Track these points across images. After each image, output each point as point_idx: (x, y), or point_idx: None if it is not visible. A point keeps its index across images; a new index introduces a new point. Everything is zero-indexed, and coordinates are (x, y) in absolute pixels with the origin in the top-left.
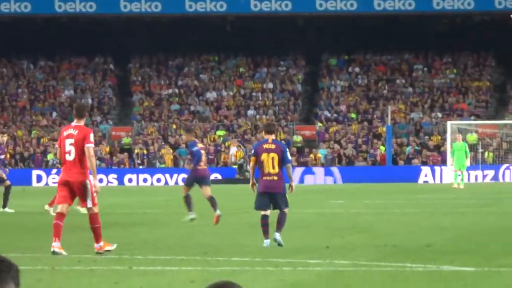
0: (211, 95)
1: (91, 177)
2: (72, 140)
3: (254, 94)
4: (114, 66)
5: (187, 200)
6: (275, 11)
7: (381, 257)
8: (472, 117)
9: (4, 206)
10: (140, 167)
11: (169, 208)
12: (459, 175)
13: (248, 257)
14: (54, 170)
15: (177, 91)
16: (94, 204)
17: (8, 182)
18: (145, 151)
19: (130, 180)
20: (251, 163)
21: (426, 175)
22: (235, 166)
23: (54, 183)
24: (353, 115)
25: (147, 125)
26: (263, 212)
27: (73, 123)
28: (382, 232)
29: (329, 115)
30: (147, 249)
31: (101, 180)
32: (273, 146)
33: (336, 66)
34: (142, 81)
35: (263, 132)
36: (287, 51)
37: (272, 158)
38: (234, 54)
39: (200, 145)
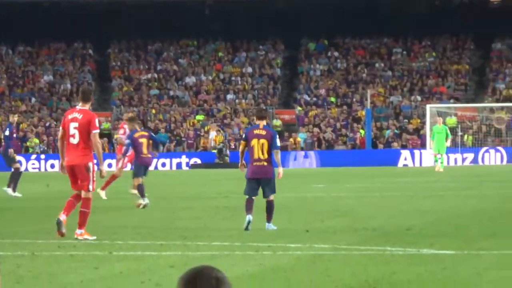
0: (190, 80)
1: (95, 161)
2: (76, 124)
3: (233, 78)
4: (93, 51)
5: (140, 188)
6: None
7: (361, 240)
8: (451, 100)
9: (14, 190)
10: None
11: (149, 193)
12: (439, 158)
13: (228, 242)
14: (34, 156)
15: (156, 76)
16: (92, 189)
17: (19, 166)
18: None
19: (109, 165)
20: (241, 147)
21: (405, 159)
22: (215, 151)
23: (34, 168)
24: (333, 99)
25: (127, 110)
26: (248, 197)
27: (78, 107)
28: (362, 215)
29: (308, 99)
30: (127, 234)
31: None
32: (263, 132)
33: (315, 50)
34: (121, 66)
35: (255, 117)
36: (266, 35)
37: (262, 144)
38: (213, 39)
39: (139, 134)
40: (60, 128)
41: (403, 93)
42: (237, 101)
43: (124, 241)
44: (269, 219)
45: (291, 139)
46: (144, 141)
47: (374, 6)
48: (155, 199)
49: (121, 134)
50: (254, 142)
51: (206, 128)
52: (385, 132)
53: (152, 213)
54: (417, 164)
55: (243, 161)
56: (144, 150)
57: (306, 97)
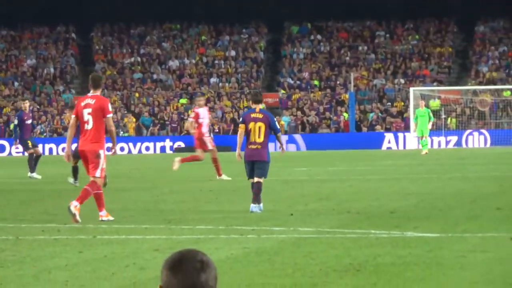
0: (174, 63)
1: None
2: (90, 110)
3: (216, 62)
4: (76, 35)
5: (74, 169)
6: None
7: (345, 224)
8: (435, 83)
9: (32, 171)
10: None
11: (132, 177)
12: (424, 141)
13: (212, 225)
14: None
15: (139, 59)
16: (101, 176)
17: (39, 150)
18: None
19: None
20: (240, 131)
21: (389, 142)
22: None
23: (17, 152)
24: (316, 82)
25: (110, 94)
26: (252, 181)
27: (90, 93)
28: (345, 199)
29: (292, 82)
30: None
31: (64, 149)
32: (260, 116)
33: (299, 34)
34: (104, 50)
35: (251, 101)
36: (249, 19)
37: (259, 128)
38: (196, 22)
39: None
40: (73, 116)
41: (387, 76)
42: (220, 84)
43: (108, 225)
44: (254, 200)
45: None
46: None
47: None
48: (139, 182)
49: (192, 117)
50: (251, 125)
51: (189, 112)
52: (369, 115)
53: (136, 197)
54: (400, 147)
55: (240, 150)
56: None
57: (289, 80)
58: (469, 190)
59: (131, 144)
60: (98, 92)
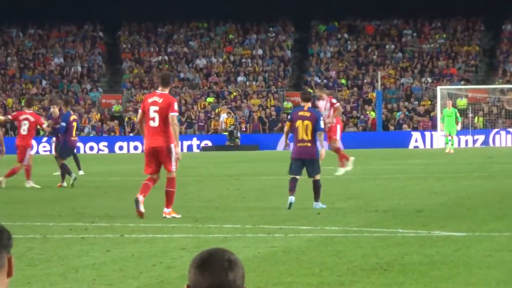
0: (201, 62)
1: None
2: (156, 107)
3: (243, 60)
4: (104, 33)
5: (64, 167)
6: None
7: (372, 222)
8: (462, 82)
9: (79, 169)
10: (131, 134)
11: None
12: (450, 140)
13: (239, 224)
14: (45, 139)
15: (166, 58)
16: (175, 168)
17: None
18: (135, 119)
19: (120, 148)
20: (286, 128)
21: (416, 140)
22: (226, 133)
23: (45, 151)
24: (343, 81)
25: (137, 93)
26: (293, 176)
27: (158, 91)
28: (373, 197)
29: (319, 81)
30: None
31: (91, 148)
32: (308, 114)
33: (326, 32)
34: (132, 48)
35: (300, 99)
36: (277, 17)
37: (306, 126)
38: (223, 21)
39: (73, 117)
40: (139, 111)
41: (414, 74)
42: (247, 83)
43: (135, 223)
44: (316, 198)
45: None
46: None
47: None
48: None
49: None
50: (298, 123)
51: (217, 111)
52: (396, 114)
53: (163, 195)
54: (427, 146)
55: (287, 141)
56: None
57: (316, 79)
58: (496, 189)
59: None
60: (167, 91)
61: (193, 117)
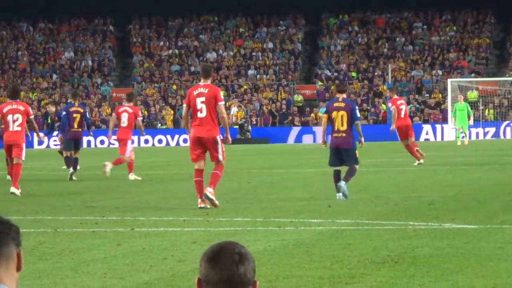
0: (211, 56)
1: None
2: (203, 98)
3: (254, 54)
4: (114, 27)
5: (65, 159)
6: None
7: (383, 215)
8: (473, 75)
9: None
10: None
11: (171, 169)
12: (462, 133)
13: (250, 218)
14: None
15: (177, 52)
16: (223, 158)
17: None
18: (145, 113)
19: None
20: (323, 120)
21: (427, 133)
22: (236, 127)
23: (56, 145)
24: (354, 74)
25: (148, 87)
26: (334, 168)
27: (201, 83)
28: (383, 190)
29: (329, 74)
30: (149, 210)
31: (102, 142)
32: (342, 105)
33: (336, 25)
34: (142, 42)
35: (335, 91)
36: (287, 10)
37: (342, 116)
38: (233, 14)
39: (74, 108)
40: (184, 105)
41: (424, 67)
42: (258, 76)
43: (146, 217)
44: (346, 179)
45: (312, 115)
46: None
47: None
48: (177, 175)
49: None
50: (334, 114)
51: (227, 104)
52: (407, 106)
53: (175, 189)
54: (438, 138)
55: (324, 138)
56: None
57: (327, 72)
58: (507, 181)
59: (169, 137)
60: (209, 81)
61: None
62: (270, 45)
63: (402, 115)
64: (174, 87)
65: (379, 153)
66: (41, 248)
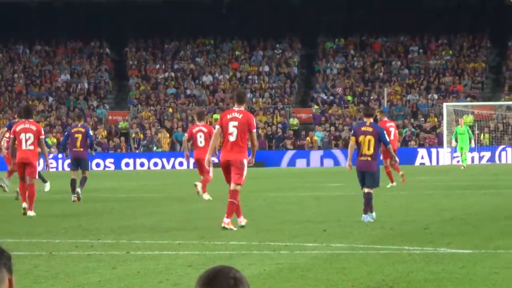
0: (207, 79)
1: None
2: (236, 123)
3: (250, 77)
4: (110, 50)
5: (73, 182)
6: None
7: (378, 239)
8: (468, 99)
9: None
10: (137, 151)
11: (166, 192)
12: (460, 156)
13: (245, 241)
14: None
15: (173, 74)
16: (242, 183)
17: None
18: (141, 135)
19: (127, 165)
20: (350, 143)
21: (422, 157)
22: None
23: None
24: (349, 98)
25: (144, 109)
26: (364, 190)
27: (235, 108)
28: (379, 214)
29: (325, 97)
30: (144, 233)
31: (98, 165)
32: (370, 129)
33: (332, 49)
34: (138, 65)
35: (362, 115)
36: (283, 34)
37: (369, 140)
38: (230, 37)
39: (75, 129)
40: (217, 126)
41: (420, 91)
42: (254, 99)
43: (141, 240)
44: (365, 210)
45: (308, 138)
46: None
47: (390, 4)
48: (173, 198)
49: None
50: (361, 138)
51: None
52: (402, 130)
53: (170, 212)
54: (434, 162)
55: (350, 161)
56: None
57: (323, 95)
58: (502, 206)
59: (164, 160)
60: (243, 107)
61: None
62: (266, 68)
63: (392, 137)
64: (170, 110)
65: None
66: (36, 271)
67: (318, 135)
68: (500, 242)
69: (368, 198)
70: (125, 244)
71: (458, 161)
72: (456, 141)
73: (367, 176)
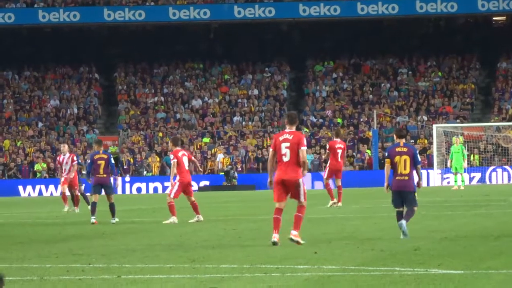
0: (197, 103)
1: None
2: (287, 144)
3: (239, 100)
4: (99, 75)
5: (93, 206)
6: (259, 17)
7: (369, 261)
8: (458, 120)
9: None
10: (127, 175)
11: (157, 217)
12: (459, 177)
13: (236, 264)
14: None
15: (162, 99)
16: (305, 199)
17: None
18: (131, 160)
19: (116, 189)
20: (386, 165)
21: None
22: (222, 173)
23: (40, 194)
24: (339, 120)
25: (133, 134)
26: (397, 209)
27: (287, 129)
28: (369, 236)
29: (315, 120)
30: (135, 257)
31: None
32: (405, 149)
33: (321, 72)
34: (127, 89)
35: (395, 136)
36: (272, 57)
37: (405, 160)
38: (218, 61)
39: (98, 156)
40: (271, 149)
41: (410, 113)
42: (243, 123)
43: (132, 264)
44: (406, 218)
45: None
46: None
47: (379, 27)
48: (163, 222)
49: None
50: (397, 159)
51: (213, 151)
52: None
53: (160, 236)
54: (424, 184)
55: (388, 182)
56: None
57: (312, 118)
58: (493, 226)
59: (156, 183)
60: (294, 128)
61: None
62: (256, 91)
63: (339, 159)
64: (160, 134)
65: (365, 198)
66: None
67: (308, 158)
68: (491, 262)
69: (412, 212)
70: (116, 268)
71: (448, 182)
72: (452, 160)
73: (405, 195)
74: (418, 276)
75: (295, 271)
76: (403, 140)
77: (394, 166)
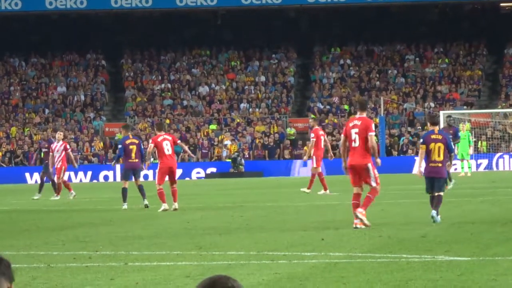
0: (204, 89)
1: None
2: (356, 130)
3: (246, 87)
4: (106, 62)
5: (124, 192)
6: (266, 3)
7: (376, 248)
8: (465, 107)
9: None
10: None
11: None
12: (465, 164)
13: (243, 251)
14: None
15: (169, 86)
16: (377, 184)
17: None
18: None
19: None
20: (421, 150)
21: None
22: (229, 160)
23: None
24: (346, 107)
25: (140, 121)
26: (431, 195)
27: (357, 115)
28: (376, 223)
29: (322, 107)
30: (142, 245)
31: (95, 177)
32: (440, 137)
33: (328, 59)
34: (134, 76)
35: (429, 123)
36: (279, 43)
37: (439, 147)
38: (225, 48)
39: (129, 141)
40: (342, 135)
41: (417, 100)
42: (250, 110)
43: (139, 251)
44: (436, 207)
45: (305, 148)
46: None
47: (386, 13)
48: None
49: None
50: (432, 145)
51: (220, 138)
52: (400, 139)
53: (167, 223)
54: None
55: (421, 168)
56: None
57: (319, 105)
58: (500, 213)
59: None
60: (364, 114)
61: (197, 144)
62: (263, 78)
63: (322, 145)
64: (167, 121)
65: None
66: (34, 283)
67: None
68: (498, 249)
69: (439, 200)
70: (123, 256)
71: (455, 169)
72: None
73: (437, 181)
74: (425, 263)
75: (302, 258)
76: (437, 128)
77: (428, 152)
